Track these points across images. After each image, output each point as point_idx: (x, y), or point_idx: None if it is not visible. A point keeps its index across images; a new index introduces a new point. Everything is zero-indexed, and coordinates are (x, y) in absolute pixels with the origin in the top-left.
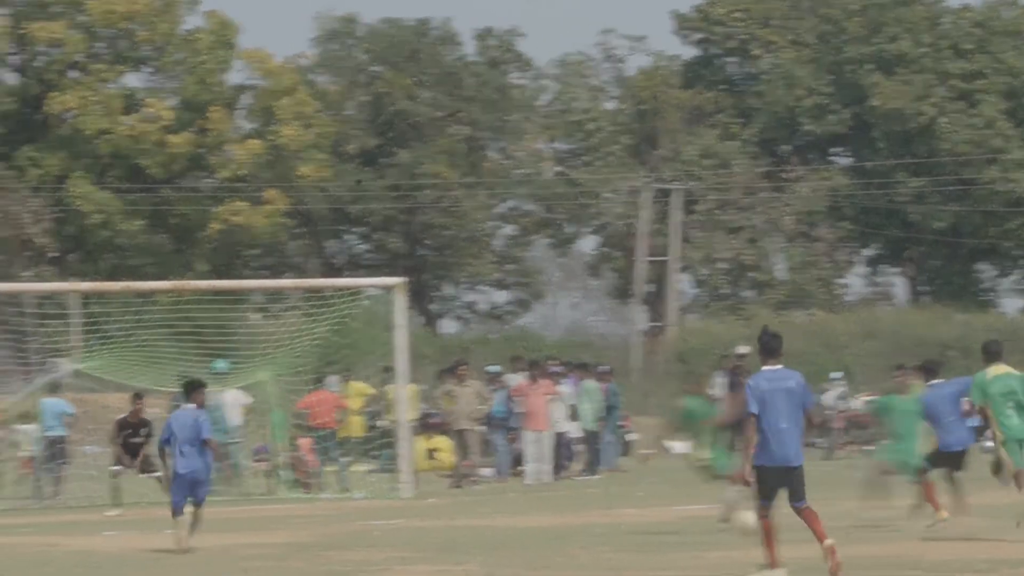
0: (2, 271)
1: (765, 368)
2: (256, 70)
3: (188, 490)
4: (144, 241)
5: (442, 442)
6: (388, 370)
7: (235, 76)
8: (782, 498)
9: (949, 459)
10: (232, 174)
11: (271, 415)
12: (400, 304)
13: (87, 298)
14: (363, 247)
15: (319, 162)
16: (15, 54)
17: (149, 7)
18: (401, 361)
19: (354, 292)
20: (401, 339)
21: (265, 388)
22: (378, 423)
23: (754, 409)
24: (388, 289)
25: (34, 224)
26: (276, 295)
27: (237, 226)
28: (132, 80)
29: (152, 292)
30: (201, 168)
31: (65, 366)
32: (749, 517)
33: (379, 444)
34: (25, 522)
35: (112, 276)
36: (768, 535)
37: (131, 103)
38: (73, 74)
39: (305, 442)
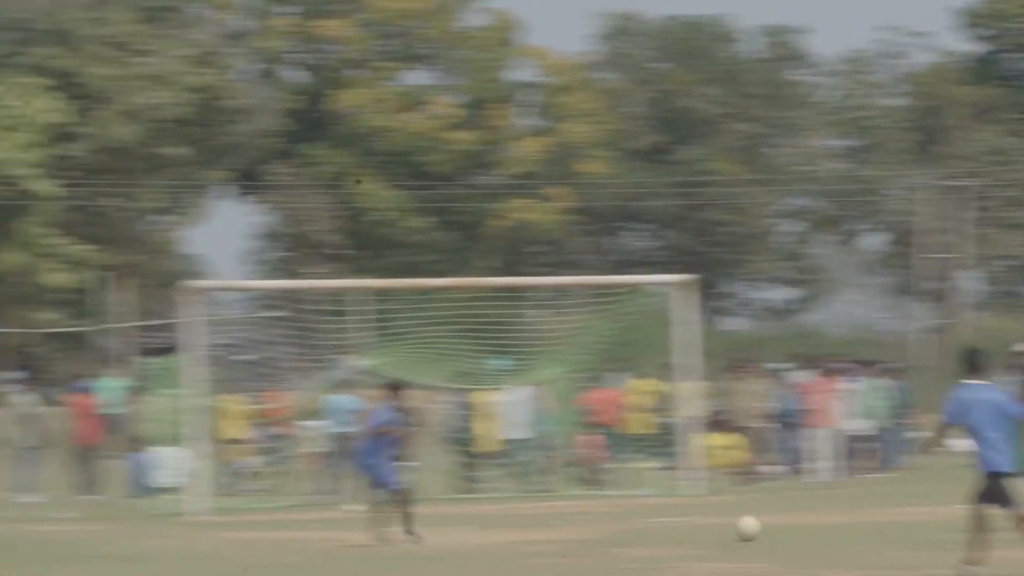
0: (290, 268)
1: (967, 381)
2: (539, 67)
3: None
4: (429, 238)
5: (729, 439)
6: (667, 367)
7: (516, 73)
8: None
9: None
10: (515, 171)
11: (556, 412)
12: (690, 301)
13: (375, 295)
14: (644, 243)
15: (603, 159)
16: (302, 52)
17: (429, 5)
18: (690, 358)
19: (638, 289)
20: (691, 336)
21: (549, 385)
22: (664, 420)
23: (951, 419)
24: (673, 286)
25: (320, 221)
26: (560, 292)
27: (521, 223)
28: (413, 77)
29: (437, 289)
30: (484, 165)
31: (352, 363)
32: (749, 523)
33: (665, 440)
34: (314, 518)
35: (397, 273)
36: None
37: (412, 100)
38: (357, 72)
39: (591, 439)
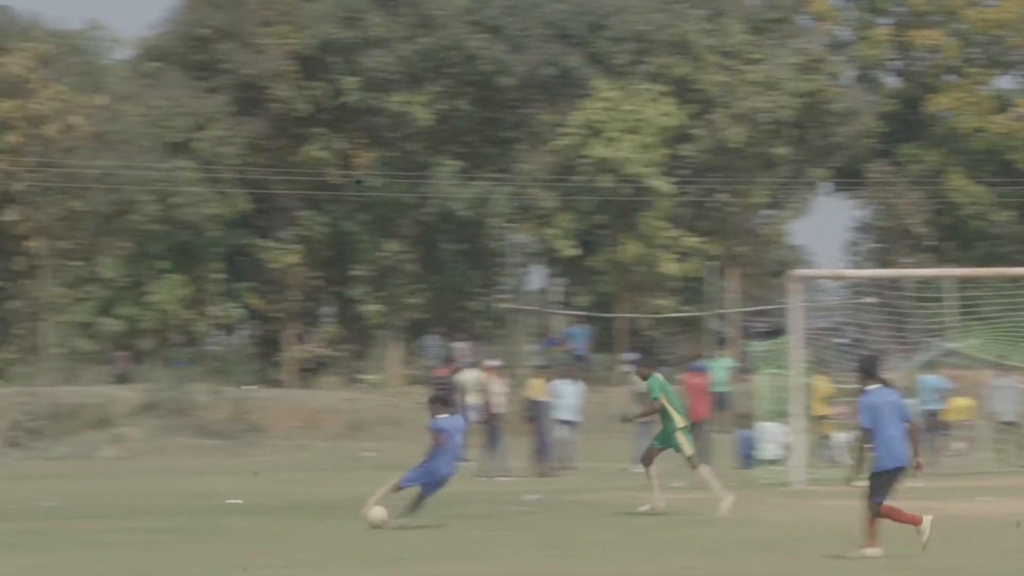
0: (884, 257)
1: (868, 388)
2: None
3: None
4: (1015, 230)
5: None
6: None
7: None
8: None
9: None
10: None
11: None
12: None
13: (962, 283)
14: None
15: None
16: (897, 59)
17: (1018, 15)
18: None
19: None
20: None
21: None
22: None
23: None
24: None
25: (914, 215)
26: None
27: None
28: (1003, 82)
29: (1022, 277)
30: None
31: (940, 345)
32: (377, 512)
33: None
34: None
35: (984, 263)
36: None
37: (1002, 103)
38: (949, 77)
39: None
